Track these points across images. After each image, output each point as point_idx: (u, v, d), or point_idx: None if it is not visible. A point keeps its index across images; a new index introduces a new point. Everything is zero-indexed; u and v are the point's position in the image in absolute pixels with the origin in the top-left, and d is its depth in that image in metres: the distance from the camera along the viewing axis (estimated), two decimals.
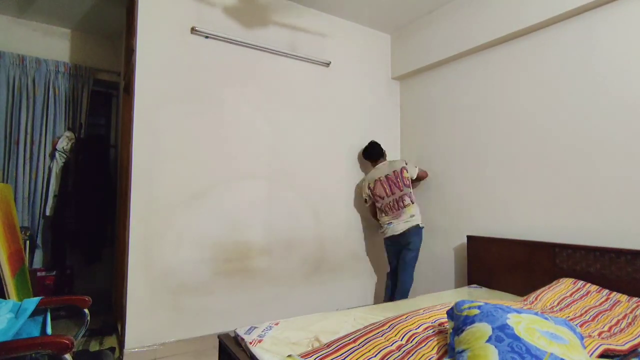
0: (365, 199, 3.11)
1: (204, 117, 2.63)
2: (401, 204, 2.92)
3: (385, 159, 3.19)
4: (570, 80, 2.35)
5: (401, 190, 2.93)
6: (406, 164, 3.06)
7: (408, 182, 2.98)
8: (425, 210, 3.33)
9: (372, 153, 3.17)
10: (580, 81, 2.31)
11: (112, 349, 2.41)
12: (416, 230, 2.91)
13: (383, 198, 2.96)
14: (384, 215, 2.99)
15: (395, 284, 2.98)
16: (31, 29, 3.33)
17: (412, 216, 2.91)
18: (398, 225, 2.91)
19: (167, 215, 2.46)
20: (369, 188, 3.04)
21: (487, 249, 2.70)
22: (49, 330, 1.51)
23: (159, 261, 2.41)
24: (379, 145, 3.21)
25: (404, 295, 2.88)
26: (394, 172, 2.98)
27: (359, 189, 3.22)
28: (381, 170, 3.04)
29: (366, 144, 3.24)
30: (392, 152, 3.60)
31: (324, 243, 3.14)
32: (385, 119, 3.59)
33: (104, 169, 3.48)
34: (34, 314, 1.47)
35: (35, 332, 1.48)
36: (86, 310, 1.58)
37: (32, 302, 1.47)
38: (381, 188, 2.97)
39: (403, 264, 2.92)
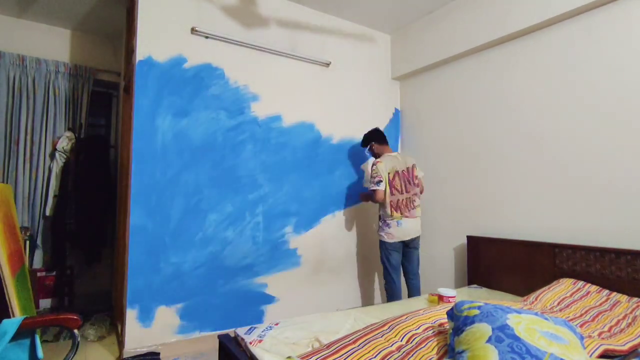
0: (379, 181, 2.72)
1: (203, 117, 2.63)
2: (412, 204, 2.78)
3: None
4: (571, 80, 2.35)
5: (413, 190, 2.81)
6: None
7: (418, 182, 2.87)
8: (425, 210, 3.33)
9: (383, 136, 2.98)
10: (581, 81, 2.31)
11: (157, 354, 2.33)
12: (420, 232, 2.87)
13: (399, 194, 2.76)
14: (395, 211, 2.74)
15: (401, 282, 2.86)
16: (31, 29, 3.33)
17: (419, 218, 2.84)
18: (409, 229, 2.75)
19: (168, 216, 2.46)
20: (388, 176, 2.75)
21: (487, 249, 2.69)
22: (39, 354, 1.32)
23: (159, 261, 2.42)
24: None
25: (419, 293, 2.85)
26: (407, 168, 2.82)
27: (373, 166, 2.77)
28: (398, 161, 2.82)
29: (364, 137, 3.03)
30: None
31: (324, 243, 3.14)
32: (385, 119, 3.59)
33: (104, 169, 3.48)
34: (19, 336, 1.27)
35: (23, 358, 1.30)
36: (76, 331, 1.37)
37: (12, 324, 1.23)
38: (399, 182, 2.76)
39: (413, 265, 2.85)
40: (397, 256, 2.80)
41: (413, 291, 2.84)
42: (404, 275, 2.91)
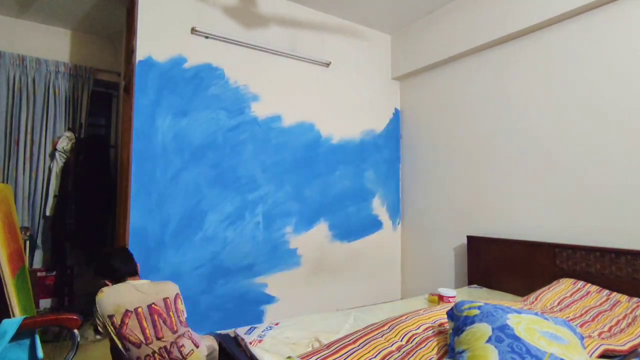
0: (100, 330, 1.62)
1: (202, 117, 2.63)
2: (177, 354, 1.61)
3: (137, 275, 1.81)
4: (571, 80, 2.35)
5: (182, 327, 1.68)
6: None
7: (184, 318, 1.74)
8: (425, 210, 3.34)
9: (121, 266, 1.75)
10: (581, 81, 2.31)
11: None
12: None
13: (141, 344, 1.56)
14: None
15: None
16: (31, 29, 3.33)
17: None
18: None
19: (168, 216, 2.46)
20: (112, 320, 1.56)
21: (487, 249, 2.69)
22: (39, 354, 1.32)
23: (159, 261, 2.42)
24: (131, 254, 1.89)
25: None
26: (164, 299, 1.69)
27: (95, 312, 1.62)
28: (138, 293, 1.65)
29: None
30: (393, 153, 3.61)
31: (324, 243, 3.14)
32: (385, 119, 3.59)
33: (104, 169, 3.48)
34: (19, 336, 1.27)
35: (23, 357, 1.30)
36: (76, 331, 1.35)
37: (12, 324, 1.23)
38: (136, 324, 1.58)
39: None
40: None
41: None
42: None
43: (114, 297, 1.60)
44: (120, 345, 1.57)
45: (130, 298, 1.62)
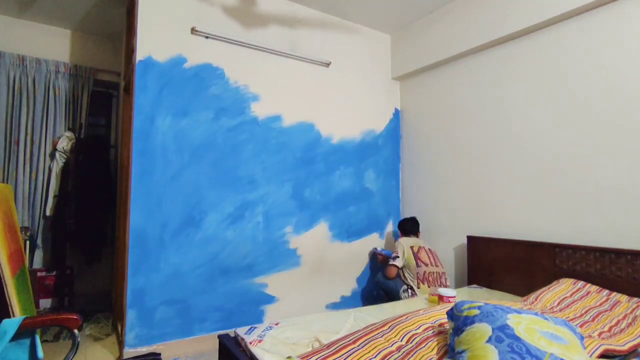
0: (396, 256, 2.79)
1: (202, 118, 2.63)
2: (444, 282, 2.74)
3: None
4: (571, 80, 2.35)
5: (442, 268, 2.82)
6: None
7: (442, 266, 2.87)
8: (425, 210, 3.34)
9: (415, 228, 3.07)
10: (581, 81, 2.31)
11: (158, 354, 2.34)
12: None
13: (427, 265, 2.75)
14: (421, 283, 2.68)
15: None
16: (31, 29, 3.33)
17: None
18: None
19: (168, 216, 2.46)
20: (412, 249, 2.81)
21: (487, 249, 2.69)
22: (39, 354, 1.32)
23: (159, 261, 2.42)
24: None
25: None
26: (433, 250, 2.92)
27: (398, 246, 2.84)
28: (421, 242, 2.95)
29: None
30: (393, 153, 3.61)
31: (324, 243, 3.14)
32: (385, 119, 3.59)
33: (104, 169, 3.48)
34: (19, 336, 1.27)
35: (23, 357, 1.30)
36: (76, 331, 1.36)
37: (12, 324, 1.24)
38: (425, 255, 2.81)
39: None
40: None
41: None
42: None
43: (409, 241, 2.90)
44: (414, 264, 2.74)
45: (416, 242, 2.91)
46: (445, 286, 2.68)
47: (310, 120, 3.11)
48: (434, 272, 2.73)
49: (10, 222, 2.07)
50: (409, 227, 3.06)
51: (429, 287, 2.64)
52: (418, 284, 2.67)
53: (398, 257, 2.77)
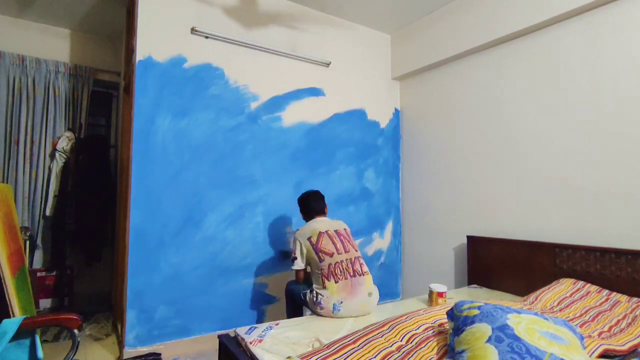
0: (294, 258, 2.19)
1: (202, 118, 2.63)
2: (358, 268, 2.10)
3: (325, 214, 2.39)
4: (571, 80, 2.35)
5: (357, 251, 2.20)
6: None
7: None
8: (425, 210, 3.34)
9: (317, 206, 2.35)
10: (581, 81, 2.31)
11: (158, 354, 2.33)
12: None
13: (332, 255, 2.07)
14: (326, 281, 2.01)
15: None
16: (31, 29, 3.33)
17: (371, 294, 2.06)
18: (355, 305, 1.98)
19: (168, 216, 2.46)
20: (310, 241, 2.14)
21: (487, 249, 2.69)
22: (39, 354, 1.32)
23: (159, 261, 2.42)
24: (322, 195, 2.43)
25: None
26: (344, 229, 2.28)
27: (295, 243, 2.21)
28: (325, 223, 2.25)
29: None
30: (393, 153, 3.61)
31: None
32: (385, 119, 3.59)
33: (104, 169, 3.48)
34: (19, 336, 1.27)
35: (23, 357, 1.30)
36: (76, 331, 1.36)
37: (12, 324, 1.24)
38: (328, 242, 2.13)
39: None
40: None
41: None
42: None
43: (306, 230, 2.21)
44: (316, 259, 2.08)
45: (317, 227, 2.20)
46: (361, 273, 2.08)
47: (310, 120, 3.11)
48: (342, 261, 2.07)
49: (10, 222, 2.07)
50: (312, 207, 2.34)
51: (336, 282, 1.99)
52: (323, 282, 2.01)
53: (296, 258, 2.18)
